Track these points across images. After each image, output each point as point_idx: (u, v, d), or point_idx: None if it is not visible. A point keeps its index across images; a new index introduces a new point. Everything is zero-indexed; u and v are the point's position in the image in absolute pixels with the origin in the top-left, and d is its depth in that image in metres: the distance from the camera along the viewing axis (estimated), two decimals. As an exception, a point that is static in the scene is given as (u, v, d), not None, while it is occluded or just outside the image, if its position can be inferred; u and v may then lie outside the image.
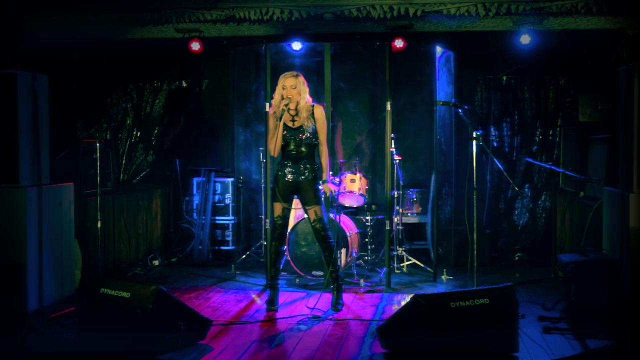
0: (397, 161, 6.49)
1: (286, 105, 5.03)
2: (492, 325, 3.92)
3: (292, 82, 5.07)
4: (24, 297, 5.00)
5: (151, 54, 7.29)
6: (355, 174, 6.52)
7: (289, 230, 6.15)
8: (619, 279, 4.79)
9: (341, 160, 7.21)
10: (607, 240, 5.28)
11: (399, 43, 5.89)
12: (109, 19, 5.81)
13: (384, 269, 6.09)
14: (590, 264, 4.87)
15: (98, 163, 5.34)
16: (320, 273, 6.02)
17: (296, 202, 6.48)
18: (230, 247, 7.41)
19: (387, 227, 6.05)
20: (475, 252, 5.24)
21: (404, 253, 6.71)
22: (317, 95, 7.12)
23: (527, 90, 7.38)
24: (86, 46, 6.63)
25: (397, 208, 6.63)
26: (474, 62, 7.33)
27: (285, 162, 5.19)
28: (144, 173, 7.87)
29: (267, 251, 6.22)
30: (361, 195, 6.48)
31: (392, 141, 6.16)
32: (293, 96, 5.06)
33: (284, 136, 5.13)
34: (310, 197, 5.16)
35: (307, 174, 5.15)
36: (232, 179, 7.45)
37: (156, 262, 7.06)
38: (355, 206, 6.73)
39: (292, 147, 5.15)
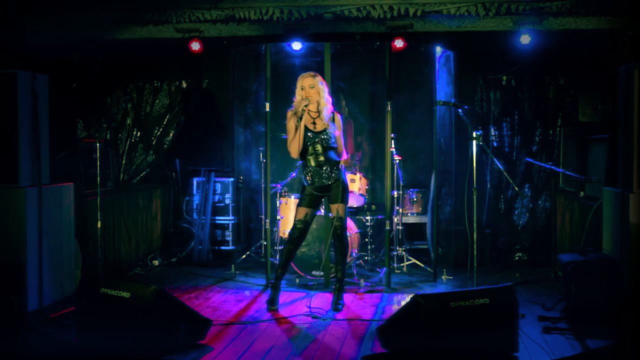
0: (397, 161, 6.49)
1: (306, 105, 5.04)
2: (492, 325, 3.92)
3: (310, 82, 5.09)
4: (24, 297, 5.01)
5: (151, 54, 7.29)
6: (355, 174, 6.52)
7: (288, 231, 6.15)
8: (619, 279, 4.79)
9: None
10: (607, 240, 5.28)
11: (399, 43, 5.88)
12: (109, 19, 5.81)
13: (384, 269, 6.09)
14: (590, 264, 4.87)
15: (98, 163, 5.34)
16: (320, 273, 6.03)
17: (295, 202, 6.49)
18: (230, 247, 7.42)
19: (387, 227, 6.05)
20: (475, 252, 5.24)
21: (404, 253, 6.71)
22: (317, 95, 7.11)
23: (527, 90, 7.38)
24: (86, 46, 6.64)
25: (397, 208, 6.63)
26: (474, 62, 7.33)
27: (310, 167, 5.18)
28: (144, 173, 7.87)
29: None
30: (361, 195, 6.49)
31: (392, 141, 6.15)
32: (312, 96, 5.08)
33: (307, 139, 5.13)
34: (336, 195, 5.19)
35: (333, 176, 5.16)
36: (232, 179, 7.45)
37: (156, 262, 7.06)
38: (355, 206, 6.73)
39: (314, 151, 5.14)
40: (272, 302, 5.21)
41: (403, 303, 5.19)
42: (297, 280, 6.07)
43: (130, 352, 3.98)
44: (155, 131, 7.87)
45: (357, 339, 4.46)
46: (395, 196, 6.56)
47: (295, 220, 5.23)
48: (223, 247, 7.45)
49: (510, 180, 5.86)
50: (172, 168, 7.81)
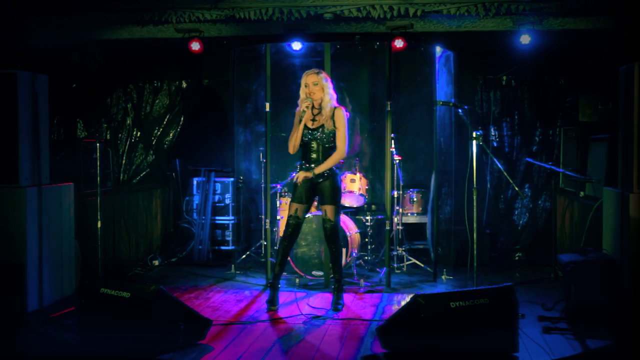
0: (397, 161, 6.49)
1: (307, 107, 5.08)
2: (492, 325, 3.92)
3: (314, 79, 5.10)
4: (24, 297, 5.01)
5: (151, 54, 7.29)
6: (355, 174, 6.52)
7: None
8: (619, 279, 4.79)
9: (341, 160, 7.21)
10: (607, 240, 5.27)
11: (399, 43, 5.89)
12: (109, 19, 5.81)
13: (384, 269, 6.09)
14: (590, 264, 4.87)
15: (98, 163, 5.34)
16: (320, 273, 6.03)
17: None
18: (230, 247, 7.42)
19: (387, 227, 6.05)
20: (475, 252, 5.24)
21: (404, 253, 6.71)
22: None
23: (527, 90, 7.38)
24: (86, 46, 6.64)
25: (397, 208, 6.63)
26: (474, 62, 7.33)
27: (303, 164, 5.22)
28: (144, 173, 7.88)
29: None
30: (361, 195, 6.49)
31: (392, 141, 6.15)
32: (315, 93, 5.09)
33: (303, 135, 5.14)
34: (326, 196, 5.18)
35: (324, 175, 5.15)
36: (232, 179, 7.45)
37: (156, 262, 7.06)
38: (355, 206, 6.74)
39: (309, 147, 5.17)
40: (272, 302, 5.21)
41: (403, 303, 5.19)
42: (297, 280, 6.07)
43: (130, 352, 3.98)
44: (155, 131, 7.87)
45: (357, 339, 4.46)
46: (395, 196, 6.56)
47: (288, 216, 5.23)
48: (223, 247, 7.45)
49: (510, 180, 5.86)
50: (172, 168, 7.81)
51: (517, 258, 7.32)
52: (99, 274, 5.21)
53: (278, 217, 6.59)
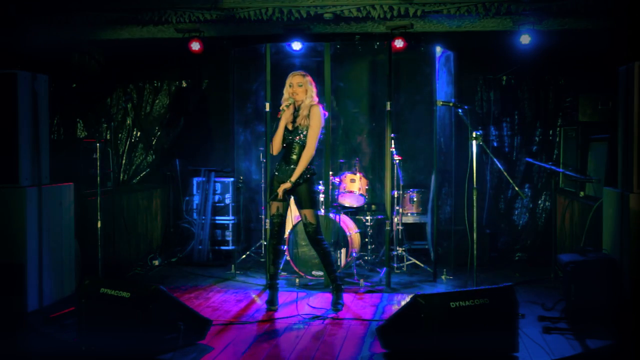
0: (397, 161, 6.49)
1: (287, 105, 5.06)
2: (492, 325, 3.92)
3: (298, 80, 5.08)
4: (24, 297, 5.00)
5: (151, 54, 7.29)
6: (355, 174, 6.52)
7: (289, 230, 6.15)
8: (619, 279, 4.79)
9: (341, 160, 7.21)
10: (607, 240, 5.27)
11: (399, 43, 5.88)
12: (109, 19, 5.81)
13: (384, 269, 6.09)
14: (590, 264, 4.87)
15: (98, 163, 5.34)
16: (320, 273, 6.02)
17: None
18: (230, 247, 7.42)
19: (387, 227, 6.05)
20: (475, 252, 5.24)
21: (404, 253, 6.71)
22: (317, 95, 7.11)
23: (527, 90, 7.38)
24: (86, 46, 6.63)
25: (397, 208, 6.63)
26: (474, 62, 7.33)
27: (281, 164, 5.21)
28: (144, 173, 7.87)
29: (266, 250, 6.22)
30: (361, 195, 6.49)
31: (392, 141, 6.15)
32: (298, 94, 5.07)
33: (284, 137, 5.14)
34: (303, 199, 5.15)
35: (301, 179, 5.12)
36: (232, 179, 7.45)
37: (156, 262, 7.06)
38: (355, 206, 6.73)
39: (291, 149, 5.16)
40: (272, 303, 5.21)
41: (403, 303, 5.19)
42: (297, 280, 6.07)
43: (130, 352, 3.98)
44: (155, 131, 7.87)
45: (357, 339, 4.46)
46: (395, 196, 6.55)
47: (271, 216, 5.22)
48: (223, 247, 7.45)
49: (510, 180, 5.86)
50: (172, 168, 7.81)
51: (517, 258, 7.32)
52: (99, 274, 5.21)
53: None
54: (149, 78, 7.82)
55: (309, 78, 5.13)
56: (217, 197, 7.45)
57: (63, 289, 5.53)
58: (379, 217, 6.71)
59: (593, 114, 6.34)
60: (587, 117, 6.36)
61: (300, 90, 5.07)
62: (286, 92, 5.12)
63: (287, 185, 5.07)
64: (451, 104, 5.80)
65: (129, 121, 7.73)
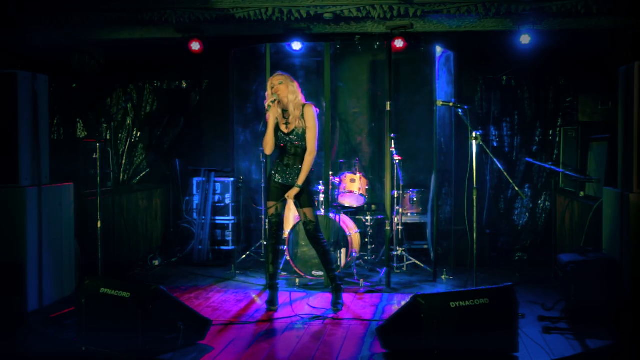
0: (397, 161, 6.49)
1: (272, 101, 5.00)
2: (492, 325, 3.92)
3: (278, 79, 5.06)
4: (24, 297, 5.00)
5: (151, 54, 7.29)
6: (355, 174, 6.52)
7: (289, 230, 6.15)
8: (619, 279, 4.79)
9: (341, 160, 7.21)
10: (607, 240, 5.27)
11: (399, 43, 5.88)
12: (109, 19, 5.81)
13: (384, 269, 6.09)
14: (590, 264, 4.87)
15: (98, 163, 5.34)
16: (320, 273, 6.02)
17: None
18: (230, 247, 7.41)
19: (387, 227, 6.05)
20: (475, 252, 5.24)
21: (404, 253, 6.71)
22: (317, 95, 7.12)
23: (527, 90, 7.38)
24: (86, 46, 6.63)
25: (397, 208, 6.63)
26: (474, 62, 7.33)
27: (278, 165, 5.21)
28: (144, 173, 7.87)
29: (266, 250, 6.22)
30: (361, 195, 6.49)
31: (392, 141, 6.15)
32: (281, 91, 5.03)
33: (279, 139, 5.13)
34: (303, 199, 5.16)
35: (296, 177, 5.13)
36: (232, 179, 7.45)
37: (156, 262, 7.06)
38: (355, 206, 6.73)
39: (287, 150, 5.16)
40: (272, 303, 5.21)
41: (403, 303, 5.19)
42: (297, 280, 6.07)
43: (130, 352, 3.99)
44: (155, 131, 7.87)
45: (357, 339, 4.46)
46: (395, 196, 6.55)
47: (269, 216, 5.23)
48: (223, 247, 7.45)
49: (510, 180, 5.85)
50: (172, 168, 7.81)
51: (517, 258, 7.32)
52: (99, 274, 5.21)
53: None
54: (149, 78, 7.81)
55: (288, 75, 5.11)
56: (217, 197, 7.45)
57: (63, 289, 5.52)
58: (379, 217, 6.71)
59: (593, 114, 6.34)
60: (587, 117, 6.36)
61: (282, 87, 5.03)
62: (269, 92, 5.08)
63: (296, 190, 5.09)
64: (451, 104, 5.79)
65: (129, 121, 7.73)
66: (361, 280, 6.04)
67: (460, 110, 5.58)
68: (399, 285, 6.05)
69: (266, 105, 5.05)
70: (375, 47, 7.19)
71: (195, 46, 6.10)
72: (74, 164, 6.16)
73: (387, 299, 5.59)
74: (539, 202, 7.38)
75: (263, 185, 6.61)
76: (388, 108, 6.02)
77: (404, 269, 6.65)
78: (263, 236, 6.70)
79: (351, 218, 6.57)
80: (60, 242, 5.50)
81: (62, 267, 5.51)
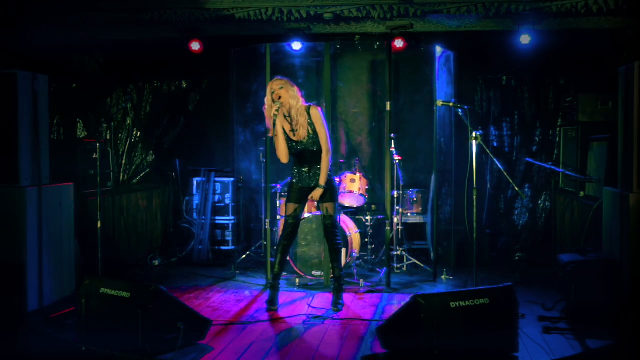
0: (397, 161, 6.49)
1: (277, 110, 4.98)
2: (492, 325, 3.92)
3: (278, 83, 5.02)
4: (24, 297, 5.01)
5: (151, 54, 7.29)
6: (355, 174, 6.52)
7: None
8: (619, 279, 4.79)
9: (341, 160, 7.21)
10: (607, 240, 5.27)
11: (399, 43, 5.88)
12: (109, 19, 5.81)
13: (384, 269, 6.09)
14: (590, 264, 4.87)
15: (98, 163, 5.34)
16: (320, 273, 6.03)
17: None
18: (230, 247, 7.42)
19: (387, 227, 6.05)
20: (475, 252, 5.24)
21: (404, 253, 6.71)
22: (317, 95, 7.13)
23: (527, 90, 7.38)
24: (86, 46, 6.64)
25: (397, 208, 6.63)
26: (474, 62, 7.32)
27: (296, 170, 5.27)
28: (144, 173, 7.87)
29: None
30: (361, 195, 6.49)
31: (392, 141, 6.15)
32: (283, 96, 4.98)
33: (289, 147, 5.14)
34: (325, 196, 5.20)
35: (317, 178, 5.17)
36: (232, 179, 7.45)
37: (156, 262, 7.06)
38: (355, 206, 6.73)
39: (302, 156, 5.19)
40: (272, 303, 5.21)
41: (403, 303, 5.19)
42: (297, 281, 6.07)
43: (130, 352, 3.99)
44: (155, 131, 7.87)
45: (357, 339, 4.46)
46: (395, 196, 6.55)
47: (286, 216, 5.24)
48: (223, 247, 7.45)
49: (510, 180, 5.85)
50: (172, 168, 7.81)
51: (517, 258, 7.32)
52: (99, 274, 5.21)
53: (278, 217, 6.59)
54: (149, 78, 7.81)
55: (287, 80, 5.08)
56: (217, 197, 7.45)
57: (63, 289, 5.53)
58: (379, 217, 6.72)
59: (593, 114, 6.34)
60: (587, 117, 6.37)
61: (282, 92, 4.99)
62: (268, 100, 5.03)
63: (321, 191, 5.13)
64: (451, 104, 5.80)
65: (129, 121, 7.73)
66: (361, 280, 6.04)
67: (460, 110, 5.58)
68: (399, 285, 6.05)
69: (271, 114, 4.97)
70: (375, 47, 7.19)
71: (195, 46, 6.10)
72: (74, 164, 6.16)
73: (387, 299, 5.59)
74: (539, 202, 7.38)
75: (263, 185, 6.60)
76: (388, 108, 6.02)
77: (404, 269, 6.65)
78: (263, 236, 6.69)
79: (351, 218, 6.57)
80: (60, 242, 5.50)
81: (62, 267, 5.51)
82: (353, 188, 6.44)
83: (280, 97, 4.99)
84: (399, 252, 6.68)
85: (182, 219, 7.57)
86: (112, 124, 7.52)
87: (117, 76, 7.56)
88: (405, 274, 6.53)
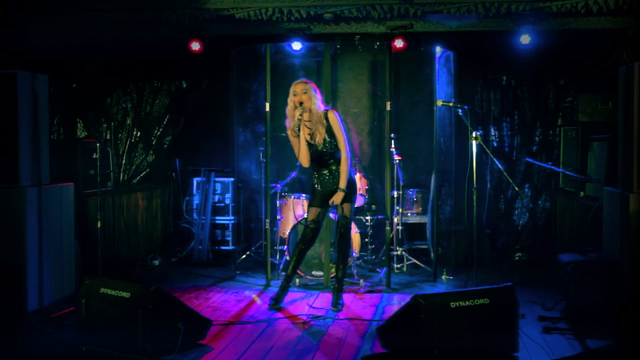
0: (397, 161, 6.49)
1: (301, 115, 5.03)
2: (492, 325, 3.92)
3: (302, 87, 5.09)
4: (24, 297, 5.00)
5: (151, 54, 7.29)
6: (355, 174, 6.52)
7: (288, 230, 6.16)
8: (619, 279, 4.79)
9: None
10: (607, 241, 5.28)
11: (399, 43, 5.88)
12: (109, 19, 5.81)
13: (384, 269, 6.09)
14: (590, 264, 4.87)
15: (98, 163, 5.34)
16: (320, 273, 6.03)
17: (295, 202, 6.49)
18: (230, 247, 7.42)
19: (387, 227, 6.05)
20: (475, 252, 5.24)
21: (404, 253, 6.71)
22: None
23: (527, 90, 7.38)
24: (86, 46, 6.63)
25: (397, 208, 6.63)
26: (474, 62, 7.32)
27: (316, 175, 5.30)
28: (144, 173, 7.87)
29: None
30: (361, 195, 6.49)
31: (392, 141, 6.15)
32: (305, 101, 5.05)
33: (311, 152, 5.18)
34: (345, 195, 5.21)
35: (337, 181, 5.20)
36: (232, 179, 7.45)
37: (156, 262, 7.06)
38: (355, 206, 6.72)
39: (321, 160, 5.22)
40: (277, 301, 5.23)
41: (403, 303, 5.19)
42: (297, 281, 6.06)
43: (130, 352, 3.98)
44: (155, 131, 7.87)
45: (357, 339, 4.46)
46: (395, 196, 6.55)
47: (308, 221, 5.28)
48: (223, 247, 7.45)
49: (510, 180, 5.86)
50: (172, 168, 7.81)
51: (517, 258, 7.32)
52: (99, 274, 5.21)
53: (278, 217, 6.59)
54: (149, 78, 7.81)
55: (311, 84, 5.15)
56: (217, 197, 7.45)
57: (63, 289, 5.53)
58: (379, 217, 6.71)
59: (593, 114, 6.35)
60: (587, 117, 6.37)
61: (306, 97, 5.07)
62: (291, 101, 5.13)
63: (342, 194, 5.14)
64: (451, 104, 5.80)
65: (129, 121, 7.73)
66: (361, 280, 6.04)
67: (460, 110, 5.58)
68: (399, 285, 6.05)
69: (295, 118, 5.03)
70: (375, 47, 7.19)
71: (195, 46, 6.09)
72: (74, 164, 6.16)
73: (387, 299, 5.59)
74: (539, 202, 7.38)
75: (263, 185, 6.61)
76: (388, 108, 6.02)
77: (404, 269, 6.65)
78: (263, 236, 6.69)
79: (351, 218, 6.56)
80: (60, 242, 5.50)
81: (62, 267, 5.51)
82: (353, 188, 6.43)
83: (302, 103, 5.04)
84: (399, 252, 6.68)
85: (182, 219, 7.57)
86: (112, 124, 7.52)
87: (117, 76, 7.57)
88: (405, 274, 6.53)
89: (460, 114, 5.57)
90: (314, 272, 6.05)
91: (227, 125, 7.71)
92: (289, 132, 5.20)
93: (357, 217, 6.77)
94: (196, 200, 7.48)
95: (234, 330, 4.67)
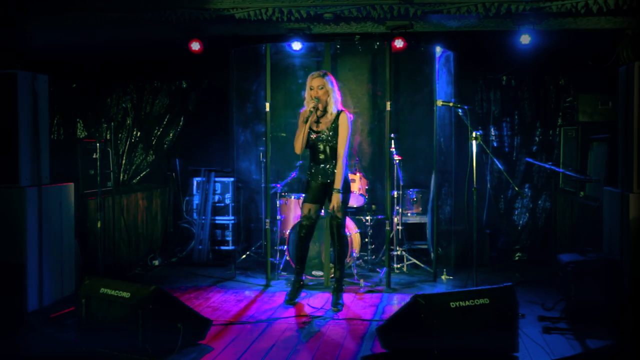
0: (397, 161, 6.49)
1: (314, 106, 5.09)
2: (492, 325, 3.92)
3: (319, 82, 5.15)
4: (24, 297, 5.00)
5: (151, 54, 7.28)
6: (355, 174, 6.52)
7: (288, 230, 6.16)
8: (619, 279, 4.79)
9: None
10: (607, 240, 5.28)
11: (399, 43, 5.88)
12: (109, 19, 5.80)
13: (384, 269, 6.09)
14: (590, 264, 4.87)
15: (98, 163, 5.34)
16: (320, 273, 6.03)
17: (295, 202, 6.50)
18: (230, 247, 7.41)
19: (387, 227, 6.05)
20: (475, 252, 5.24)
21: (404, 253, 6.71)
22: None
23: (527, 90, 7.38)
24: (86, 46, 6.63)
25: (397, 208, 6.63)
26: (474, 62, 7.32)
27: (312, 165, 5.32)
28: (144, 173, 7.87)
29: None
30: (361, 195, 6.49)
31: (392, 141, 6.15)
32: (320, 96, 5.14)
33: (309, 139, 5.18)
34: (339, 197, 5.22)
35: (328, 175, 5.22)
36: (232, 179, 7.45)
37: (156, 262, 7.06)
38: (355, 206, 6.73)
39: (317, 149, 5.24)
40: (291, 297, 5.33)
41: (403, 303, 5.19)
42: (297, 280, 6.06)
43: (130, 352, 3.98)
44: (155, 131, 7.87)
45: (357, 339, 4.46)
46: (395, 196, 6.55)
47: (301, 217, 5.29)
48: (223, 247, 7.45)
49: (510, 180, 5.86)
50: (172, 168, 7.81)
51: (517, 258, 7.32)
52: (99, 274, 5.21)
53: (278, 217, 6.59)
54: (149, 78, 7.81)
55: (329, 77, 5.21)
56: (217, 197, 7.45)
57: (63, 289, 5.53)
58: (379, 217, 6.71)
59: (593, 114, 6.35)
60: (587, 117, 6.37)
61: (322, 92, 5.15)
62: (307, 94, 5.20)
63: (338, 196, 5.12)
64: (451, 104, 5.80)
65: (129, 121, 7.73)
66: (361, 280, 6.04)
67: (460, 110, 5.58)
68: (399, 285, 6.05)
69: (307, 109, 5.12)
70: (375, 47, 7.19)
71: (195, 46, 6.09)
72: (74, 164, 6.16)
73: (387, 299, 5.59)
74: (539, 202, 7.38)
75: (263, 185, 6.61)
76: (388, 108, 6.02)
77: (404, 269, 6.65)
78: (263, 236, 6.69)
79: (351, 218, 6.56)
80: (60, 242, 5.50)
81: (62, 267, 5.51)
82: (353, 188, 6.43)
83: (318, 96, 5.11)
84: (399, 252, 6.68)
85: (182, 219, 7.57)
86: (112, 124, 7.52)
87: (117, 76, 7.56)
88: (405, 274, 6.53)
89: (460, 114, 5.57)
90: (314, 272, 6.05)
91: (227, 125, 7.71)
92: (300, 119, 5.25)
93: (357, 217, 6.77)
94: (196, 200, 7.48)
95: (234, 330, 4.67)
